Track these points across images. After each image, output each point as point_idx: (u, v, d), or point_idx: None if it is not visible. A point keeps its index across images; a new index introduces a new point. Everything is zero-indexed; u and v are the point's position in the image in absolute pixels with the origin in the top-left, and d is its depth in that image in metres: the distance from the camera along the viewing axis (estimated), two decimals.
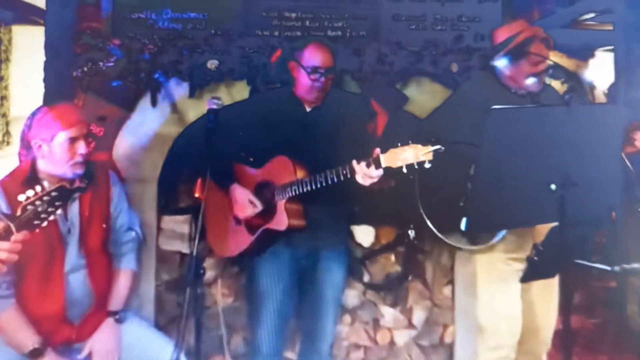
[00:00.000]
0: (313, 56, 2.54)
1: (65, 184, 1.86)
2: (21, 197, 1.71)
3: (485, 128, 1.92)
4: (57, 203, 1.73)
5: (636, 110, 4.31)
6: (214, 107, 2.33)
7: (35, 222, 1.72)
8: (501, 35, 2.60)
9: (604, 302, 4.38)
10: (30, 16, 3.77)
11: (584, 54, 3.96)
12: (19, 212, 1.71)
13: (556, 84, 3.21)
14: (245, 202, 2.58)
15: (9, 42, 4.35)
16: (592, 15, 4.05)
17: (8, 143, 4.58)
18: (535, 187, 2.02)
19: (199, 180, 2.23)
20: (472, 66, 3.05)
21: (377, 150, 2.22)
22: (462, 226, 2.33)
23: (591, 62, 4.66)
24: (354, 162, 2.28)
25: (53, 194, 1.72)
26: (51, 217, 1.73)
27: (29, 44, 3.31)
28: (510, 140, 1.97)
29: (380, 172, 2.25)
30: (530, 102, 2.57)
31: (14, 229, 1.70)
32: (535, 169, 2.02)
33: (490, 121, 1.93)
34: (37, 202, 1.72)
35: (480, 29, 3.14)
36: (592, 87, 4.45)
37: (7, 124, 4.29)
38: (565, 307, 2.10)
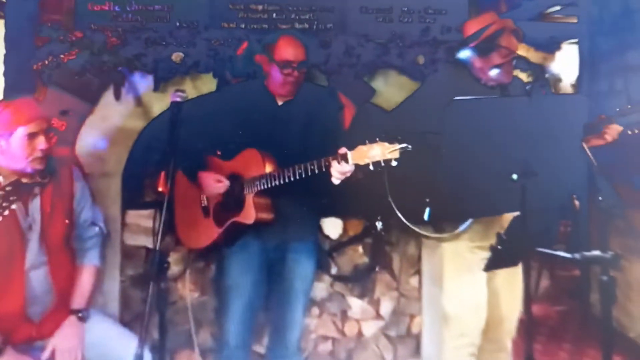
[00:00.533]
0: (285, 51, 2.55)
1: (20, 178, 1.82)
2: None
3: (447, 119, 1.94)
4: (11, 198, 1.70)
5: (598, 102, 4.40)
6: (178, 99, 2.30)
7: None
8: (471, 27, 2.62)
9: (568, 290, 4.47)
10: None
11: (551, 46, 4.01)
12: None
13: (523, 76, 3.25)
14: (212, 182, 2.58)
15: None
16: (557, 8, 4.11)
17: None
18: (497, 176, 2.04)
19: (162, 174, 2.20)
20: (439, 59, 3.07)
21: (344, 148, 2.24)
22: (425, 216, 2.36)
23: (557, 54, 4.73)
24: (327, 161, 2.30)
25: (7, 188, 1.69)
26: (5, 212, 1.70)
27: None
28: (472, 130, 1.99)
29: (352, 166, 2.26)
30: (500, 94, 2.60)
31: None
32: (497, 159, 2.04)
33: (451, 112, 1.94)
34: None
35: (447, 21, 3.16)
36: (558, 80, 4.51)
37: None
38: (527, 296, 2.13)
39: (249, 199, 2.50)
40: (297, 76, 2.57)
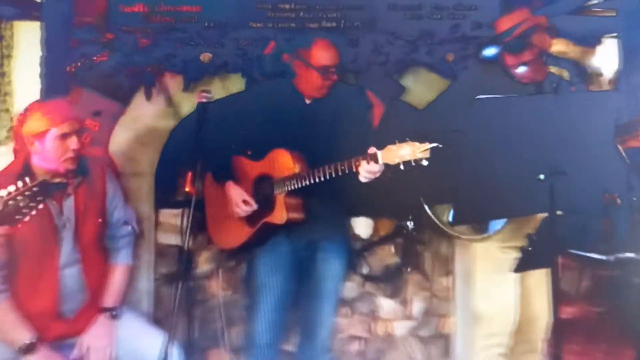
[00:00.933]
0: (322, 56, 2.55)
1: (46, 178, 1.87)
2: (2, 192, 1.71)
3: (471, 118, 1.91)
4: (38, 198, 1.72)
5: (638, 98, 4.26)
6: (204, 100, 2.33)
7: (17, 216, 1.72)
8: (504, 24, 2.61)
9: (608, 291, 4.35)
10: (31, 12, 3.78)
11: (591, 40, 3.91)
12: (0, 207, 1.70)
13: (561, 72, 3.17)
14: (239, 202, 2.60)
15: (11, 38, 4.36)
16: (596, 1, 4.00)
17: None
18: (523, 177, 2.01)
19: (189, 174, 2.23)
20: (469, 55, 3.02)
21: (373, 148, 2.24)
22: (450, 217, 2.34)
23: (598, 48, 4.60)
24: (357, 161, 2.30)
25: (34, 189, 1.72)
26: (33, 212, 1.73)
27: (30, 40, 3.32)
28: (497, 129, 1.96)
29: (381, 166, 2.26)
30: (534, 91, 2.56)
31: None
32: (523, 159, 2.01)
33: (475, 111, 1.91)
34: (19, 197, 1.71)
35: (478, 17, 3.09)
36: (599, 75, 4.39)
37: (10, 119, 4.31)
38: (555, 297, 2.08)
39: (280, 199, 2.51)
40: (334, 80, 2.58)
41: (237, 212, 2.61)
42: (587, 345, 3.77)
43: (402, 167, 2.18)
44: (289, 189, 2.48)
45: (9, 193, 1.72)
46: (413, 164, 2.16)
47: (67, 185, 2.38)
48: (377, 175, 2.28)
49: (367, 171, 2.26)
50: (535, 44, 2.49)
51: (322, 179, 2.38)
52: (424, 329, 3.34)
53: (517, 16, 2.59)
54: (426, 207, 2.66)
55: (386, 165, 2.23)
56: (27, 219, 1.74)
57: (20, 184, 1.73)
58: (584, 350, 3.70)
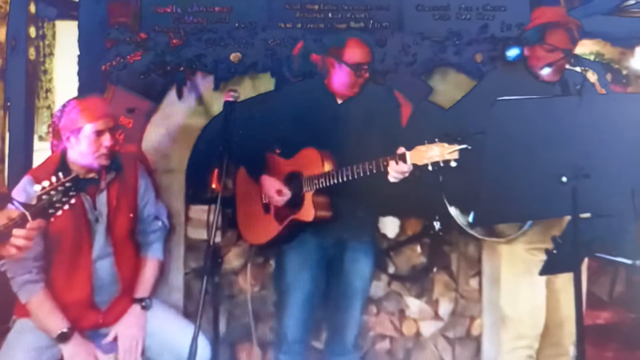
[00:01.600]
0: (355, 53, 2.58)
1: (78, 174, 1.92)
2: (37, 187, 1.76)
3: (492, 119, 1.90)
4: (71, 193, 1.78)
5: None
6: (230, 99, 2.38)
7: (50, 211, 1.77)
8: (536, 19, 2.58)
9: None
10: (71, 12, 3.90)
11: (629, 42, 3.85)
12: (34, 202, 1.76)
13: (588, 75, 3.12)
14: (273, 191, 2.64)
15: (53, 37, 4.52)
16: (633, 1, 3.92)
17: None
18: (545, 179, 1.98)
19: (216, 172, 2.29)
20: (497, 56, 2.99)
21: (402, 148, 2.26)
22: (470, 219, 2.32)
23: (637, 49, 4.50)
24: (385, 161, 2.32)
25: (67, 184, 1.78)
26: (66, 207, 1.78)
27: (71, 39, 3.43)
28: (518, 131, 1.93)
29: (410, 166, 2.28)
30: (560, 92, 2.53)
31: (29, 217, 1.75)
32: (545, 161, 1.97)
33: (496, 112, 1.90)
34: (52, 192, 1.76)
35: (507, 18, 3.09)
36: (637, 76, 4.30)
37: (52, 116, 4.45)
38: (578, 301, 2.05)
39: (308, 197, 2.54)
40: (367, 77, 2.61)
41: (273, 200, 2.65)
42: (622, 351, 3.71)
43: (430, 167, 2.19)
44: (318, 187, 2.51)
45: (43, 188, 1.76)
46: (441, 165, 2.17)
47: (99, 181, 2.45)
48: (406, 175, 2.30)
49: (395, 171, 2.28)
50: (548, 43, 2.46)
51: (351, 178, 2.41)
52: (451, 329, 3.32)
53: (547, 14, 2.56)
54: (449, 208, 2.65)
55: (415, 166, 2.24)
56: (59, 213, 1.79)
57: (54, 179, 1.78)
58: (619, 357, 3.64)
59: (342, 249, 2.70)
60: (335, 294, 2.75)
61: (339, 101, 2.67)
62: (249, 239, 2.94)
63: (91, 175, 2.43)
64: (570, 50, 2.47)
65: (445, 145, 2.16)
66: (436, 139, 2.19)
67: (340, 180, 2.44)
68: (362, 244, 2.74)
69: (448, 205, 2.69)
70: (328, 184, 2.48)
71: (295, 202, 2.60)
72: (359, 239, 2.73)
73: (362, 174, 2.37)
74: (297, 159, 2.64)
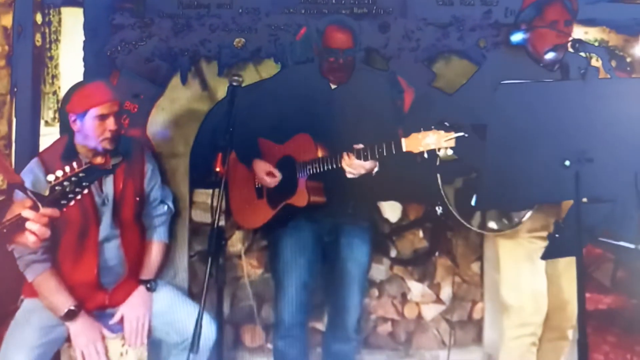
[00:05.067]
0: (331, 38, 2.58)
1: (93, 164, 1.90)
2: (50, 178, 1.75)
3: (494, 103, 1.90)
4: (84, 183, 1.74)
5: None
6: (234, 84, 2.40)
7: (63, 201, 1.75)
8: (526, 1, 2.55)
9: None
10: None
11: (633, 28, 3.83)
12: (47, 193, 1.74)
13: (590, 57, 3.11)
14: (263, 173, 2.65)
15: (59, 24, 4.52)
16: None
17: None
18: (548, 163, 1.98)
19: (220, 155, 2.31)
20: (501, 42, 3.01)
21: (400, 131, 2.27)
22: (472, 202, 2.33)
23: None
24: (345, 154, 2.36)
25: (81, 174, 1.75)
26: (78, 197, 1.76)
27: (76, 25, 3.44)
28: (522, 115, 1.93)
29: (368, 163, 2.33)
30: (560, 76, 2.53)
31: (40, 207, 1.73)
32: (548, 145, 1.98)
33: (499, 96, 1.90)
34: (65, 183, 1.74)
35: (510, 4, 3.07)
36: None
37: (58, 101, 4.48)
38: (580, 286, 2.06)
39: (302, 182, 2.56)
40: (342, 63, 2.59)
41: (264, 182, 2.66)
42: (624, 337, 3.73)
43: (426, 155, 2.20)
44: (311, 172, 2.53)
45: (57, 178, 1.74)
46: (438, 152, 2.18)
47: (113, 172, 2.47)
48: (362, 171, 2.37)
49: (350, 164, 2.34)
50: (549, 16, 2.43)
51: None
52: (453, 313, 3.36)
53: None
54: (447, 202, 2.64)
55: (410, 153, 2.25)
56: (72, 203, 1.77)
57: (67, 169, 1.76)
58: (622, 342, 3.66)
59: (338, 234, 2.72)
60: (333, 278, 2.76)
61: (333, 86, 2.67)
62: (242, 223, 2.95)
63: (98, 160, 2.44)
64: (571, 20, 2.45)
65: (442, 132, 2.17)
66: (432, 127, 2.19)
67: (333, 166, 2.45)
68: (358, 229, 2.75)
69: (446, 199, 2.68)
70: (321, 169, 2.49)
71: (289, 188, 2.61)
72: (355, 224, 2.74)
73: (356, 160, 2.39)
74: (290, 144, 2.65)
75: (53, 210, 1.73)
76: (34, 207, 1.72)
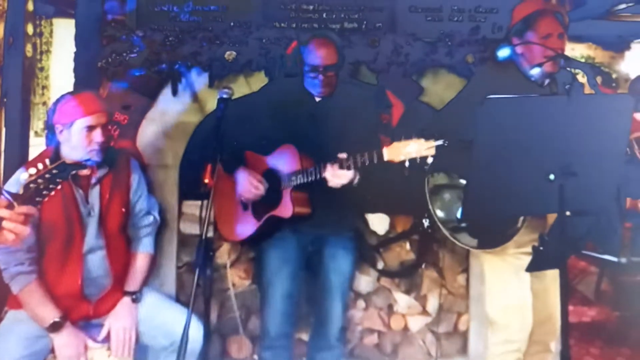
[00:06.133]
0: (313, 54, 2.59)
1: (65, 160, 1.90)
2: (24, 176, 1.74)
3: (480, 118, 1.93)
4: (57, 180, 1.76)
5: None
6: (224, 96, 2.41)
7: (37, 198, 1.75)
8: (517, 15, 2.55)
9: (628, 296, 4.32)
10: (68, 9, 3.92)
11: (619, 45, 3.89)
12: (21, 191, 1.74)
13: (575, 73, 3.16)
14: (247, 184, 2.64)
15: (50, 35, 4.55)
16: (624, 6, 3.96)
17: None
18: (533, 176, 2.00)
19: (208, 166, 2.32)
20: (488, 57, 3.04)
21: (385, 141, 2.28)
22: (458, 214, 2.35)
23: (627, 54, 4.55)
24: (329, 164, 2.37)
25: (54, 171, 1.76)
26: (52, 193, 1.77)
27: (68, 37, 3.45)
28: (507, 129, 1.95)
29: (350, 173, 2.34)
30: (549, 92, 2.54)
31: (16, 205, 1.73)
32: (533, 159, 1.99)
33: (485, 111, 1.93)
34: (39, 180, 1.74)
35: (498, 20, 3.13)
36: (627, 79, 4.34)
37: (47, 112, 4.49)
38: (564, 298, 2.09)
39: (287, 193, 2.56)
40: (324, 80, 2.60)
41: (248, 194, 2.64)
42: (607, 349, 3.76)
43: (407, 164, 2.21)
44: (296, 183, 2.53)
45: (30, 175, 1.74)
46: (418, 161, 2.19)
47: (85, 167, 2.41)
48: (344, 182, 2.37)
49: (333, 174, 2.34)
50: (542, 29, 2.44)
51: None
52: (439, 324, 3.37)
53: (530, 5, 2.52)
54: (435, 217, 2.65)
55: (391, 163, 2.25)
56: (46, 199, 1.76)
57: (40, 166, 1.75)
58: (605, 354, 3.69)
59: (322, 245, 2.72)
60: (316, 290, 2.76)
61: (317, 99, 2.69)
62: (227, 235, 2.91)
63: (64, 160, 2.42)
64: (564, 34, 2.46)
65: (422, 141, 2.18)
66: (413, 135, 2.21)
67: (317, 178, 2.45)
68: (342, 240, 2.75)
69: (434, 214, 2.69)
70: (306, 180, 2.49)
71: (274, 199, 2.61)
72: (339, 235, 2.75)
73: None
74: (275, 155, 2.65)
75: (29, 208, 1.74)
76: (10, 206, 1.72)
